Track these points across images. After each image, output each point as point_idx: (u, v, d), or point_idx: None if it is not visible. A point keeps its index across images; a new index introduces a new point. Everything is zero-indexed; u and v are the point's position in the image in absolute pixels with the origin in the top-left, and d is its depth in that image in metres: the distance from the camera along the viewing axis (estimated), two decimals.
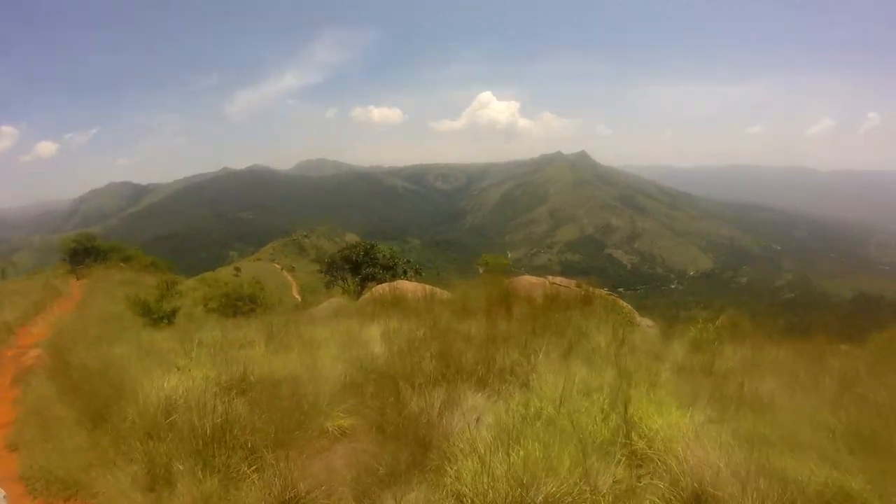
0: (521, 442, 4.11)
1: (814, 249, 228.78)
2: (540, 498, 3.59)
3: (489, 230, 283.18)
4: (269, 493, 4.02)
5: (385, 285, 14.16)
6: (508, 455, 3.97)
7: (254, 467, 4.37)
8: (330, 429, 5.16)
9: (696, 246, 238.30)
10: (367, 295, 14.20)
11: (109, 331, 11.05)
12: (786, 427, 4.69)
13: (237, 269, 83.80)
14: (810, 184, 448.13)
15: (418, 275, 20.34)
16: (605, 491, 3.77)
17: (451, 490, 3.92)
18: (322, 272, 23.62)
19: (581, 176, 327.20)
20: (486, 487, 3.74)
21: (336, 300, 14.75)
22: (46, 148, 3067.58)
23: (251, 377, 5.97)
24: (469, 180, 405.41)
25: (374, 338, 8.12)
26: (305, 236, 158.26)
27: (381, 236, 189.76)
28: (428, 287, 13.25)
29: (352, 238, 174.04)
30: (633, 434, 4.46)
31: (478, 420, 4.82)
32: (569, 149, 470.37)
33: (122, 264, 32.11)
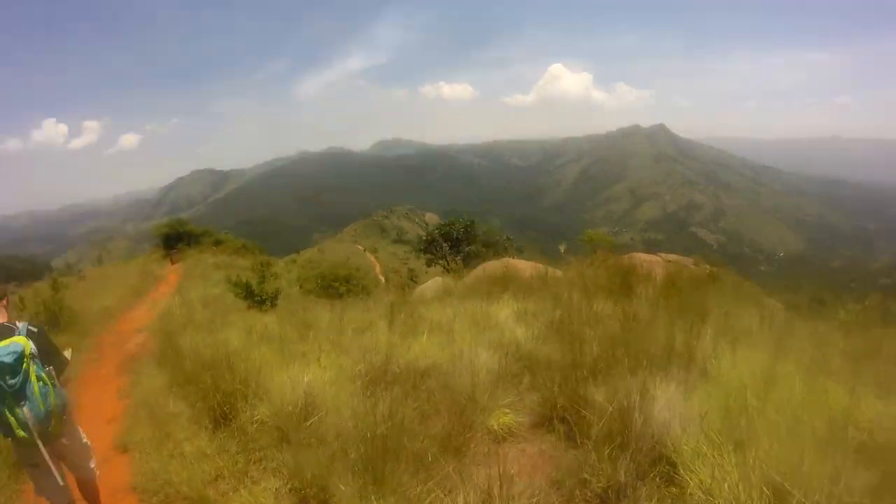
0: (749, 440, 3.31)
1: None
2: None
3: (568, 208, 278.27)
4: None
5: (494, 263, 13.39)
6: (745, 457, 3.17)
7: (427, 483, 3.48)
8: (495, 427, 4.42)
9: (784, 224, 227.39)
10: (476, 273, 13.31)
11: (214, 315, 10.48)
12: None
13: (320, 250, 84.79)
14: None
15: (520, 252, 19.25)
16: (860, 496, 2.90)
17: None
18: (421, 251, 22.86)
19: (661, 150, 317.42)
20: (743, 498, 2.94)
21: (440, 279, 13.95)
22: (129, 140, 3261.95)
23: (395, 367, 5.04)
24: (545, 156, 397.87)
25: (507, 320, 7.29)
26: (385, 217, 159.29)
27: (459, 215, 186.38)
28: (541, 265, 12.33)
29: (431, 218, 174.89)
30: (849, 427, 3.67)
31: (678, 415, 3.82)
32: (646, 121, 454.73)
33: (213, 247, 32.55)
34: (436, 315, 7.79)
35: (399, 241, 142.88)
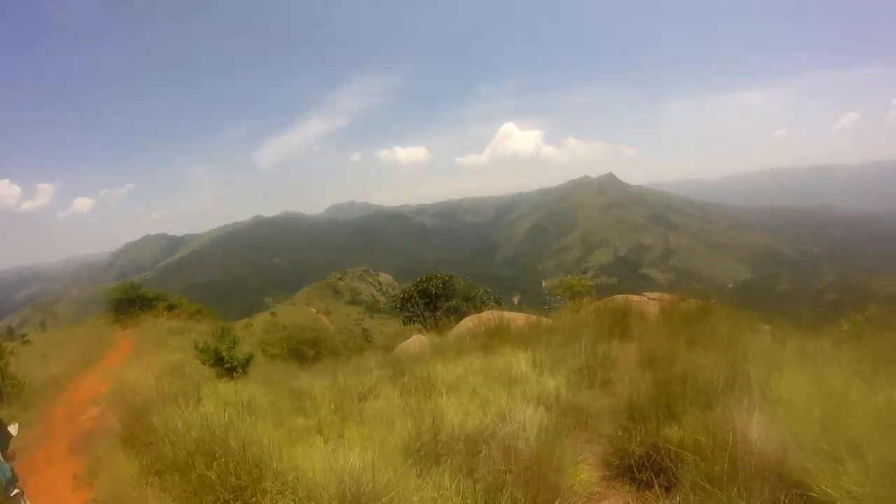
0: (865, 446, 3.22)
1: (851, 247, 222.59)
2: None
3: (521, 261, 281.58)
4: None
5: (476, 316, 12.72)
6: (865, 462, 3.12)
7: None
8: (576, 486, 4.09)
9: (732, 257, 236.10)
10: (459, 327, 12.62)
11: (181, 385, 9.37)
12: None
13: (273, 314, 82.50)
14: (841, 180, 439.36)
15: (498, 304, 18.59)
16: None
17: None
18: (397, 308, 21.97)
19: (610, 198, 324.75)
20: None
21: (422, 337, 13.16)
22: (83, 204, 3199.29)
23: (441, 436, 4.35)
24: (498, 212, 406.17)
25: (527, 371, 6.76)
26: (339, 279, 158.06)
27: (414, 274, 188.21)
28: (531, 316, 12.08)
29: (385, 278, 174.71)
30: None
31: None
32: (595, 172, 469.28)
33: (167, 312, 31.02)
34: (442, 373, 7.02)
35: (353, 302, 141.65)
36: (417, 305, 19.20)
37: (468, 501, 3.23)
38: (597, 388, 5.78)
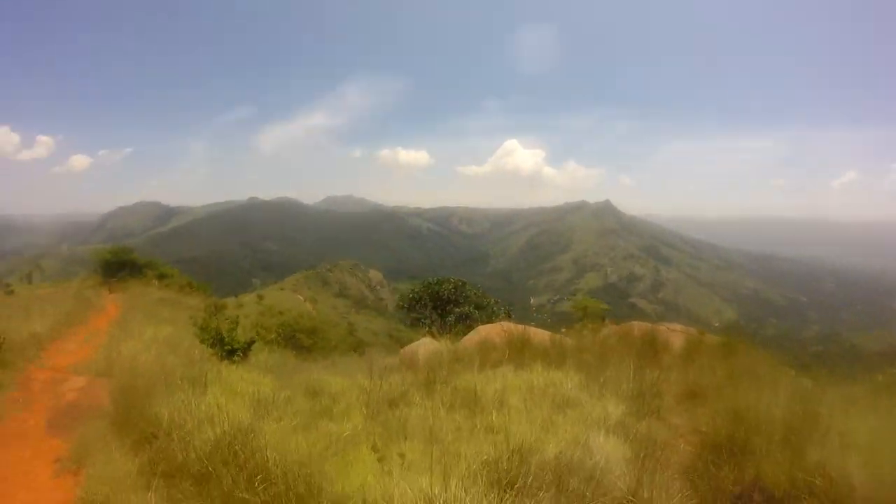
0: None
1: (840, 301, 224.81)
2: None
3: (512, 275, 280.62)
4: None
5: (495, 326, 12.19)
6: None
7: None
8: None
9: (719, 297, 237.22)
10: (471, 337, 11.92)
11: (181, 364, 8.56)
12: None
13: (260, 296, 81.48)
14: (834, 235, 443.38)
15: (508, 316, 17.87)
16: None
17: None
18: (404, 308, 21.20)
19: (605, 225, 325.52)
20: None
21: (430, 342, 12.39)
22: (80, 161, 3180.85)
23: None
24: (492, 225, 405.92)
25: (577, 393, 6.14)
26: (329, 270, 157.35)
27: (404, 275, 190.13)
28: (553, 334, 11.39)
29: (375, 275, 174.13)
30: None
31: None
32: (593, 198, 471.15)
33: (157, 281, 30.23)
34: (479, 386, 6.25)
35: (341, 294, 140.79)
36: (426, 308, 18.53)
37: None
38: (652, 417, 5.36)
